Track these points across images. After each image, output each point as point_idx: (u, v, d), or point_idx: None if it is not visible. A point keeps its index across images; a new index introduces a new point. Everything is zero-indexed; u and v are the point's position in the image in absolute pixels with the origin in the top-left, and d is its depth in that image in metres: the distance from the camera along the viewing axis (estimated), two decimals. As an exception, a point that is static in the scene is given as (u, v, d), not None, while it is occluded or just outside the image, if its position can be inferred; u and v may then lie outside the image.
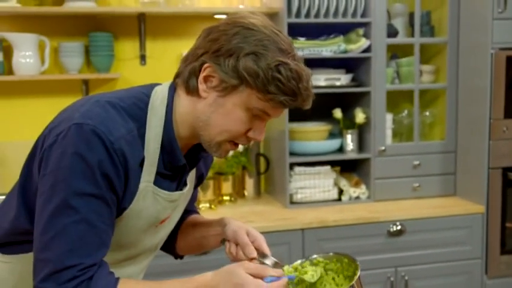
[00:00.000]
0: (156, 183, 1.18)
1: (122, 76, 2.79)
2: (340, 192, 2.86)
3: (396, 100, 3.02)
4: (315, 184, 2.81)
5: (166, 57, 2.86)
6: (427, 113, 3.03)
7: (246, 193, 2.96)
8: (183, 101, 1.18)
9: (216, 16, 2.84)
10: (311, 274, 1.25)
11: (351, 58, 2.84)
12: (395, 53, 3.00)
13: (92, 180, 1.06)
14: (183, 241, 1.46)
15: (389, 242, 2.66)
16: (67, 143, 1.07)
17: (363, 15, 2.78)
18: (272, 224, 2.52)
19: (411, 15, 2.94)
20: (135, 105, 1.16)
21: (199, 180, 1.43)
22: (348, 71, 2.87)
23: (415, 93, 2.89)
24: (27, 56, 2.60)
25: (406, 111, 3.00)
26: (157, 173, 1.18)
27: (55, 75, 2.73)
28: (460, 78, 2.88)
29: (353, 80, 2.86)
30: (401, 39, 2.94)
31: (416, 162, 2.89)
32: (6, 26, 2.68)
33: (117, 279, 1.11)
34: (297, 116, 2.78)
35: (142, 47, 2.83)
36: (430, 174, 2.92)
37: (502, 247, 2.79)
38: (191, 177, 1.33)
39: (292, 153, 2.79)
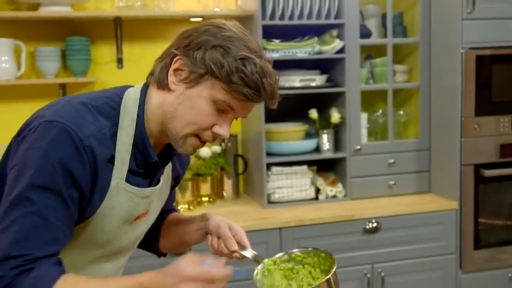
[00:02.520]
0: (127, 180, 1.21)
1: (99, 80, 2.81)
2: (317, 191, 2.91)
3: (371, 100, 3.08)
4: (292, 184, 2.85)
5: (143, 61, 2.88)
6: (401, 112, 3.08)
7: (224, 194, 3.00)
8: (154, 96, 1.22)
9: (192, 19, 2.87)
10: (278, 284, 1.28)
11: (325, 59, 2.89)
12: (369, 53, 3.05)
13: (52, 176, 1.08)
14: (165, 239, 1.49)
15: (366, 239, 2.71)
16: (35, 138, 1.10)
17: (336, 16, 2.83)
18: (250, 223, 2.55)
19: (384, 16, 3.00)
20: (107, 104, 1.19)
21: (176, 181, 1.46)
22: (322, 72, 2.91)
23: (388, 93, 2.95)
24: (3, 60, 2.60)
25: (380, 111, 3.06)
26: (129, 171, 1.21)
27: (32, 80, 2.73)
28: (432, 77, 2.94)
29: (328, 80, 2.91)
30: (374, 39, 3.00)
31: (391, 161, 2.94)
32: (-19, 31, 2.68)
33: (60, 272, 1.10)
34: (273, 117, 2.82)
35: (119, 50, 2.85)
36: (405, 172, 2.97)
37: (476, 242, 2.85)
38: (166, 175, 1.36)
39: (269, 154, 2.83)
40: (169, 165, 1.37)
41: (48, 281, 1.07)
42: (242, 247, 1.32)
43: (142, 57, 2.89)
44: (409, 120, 3.10)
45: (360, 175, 2.91)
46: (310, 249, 1.35)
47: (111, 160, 1.17)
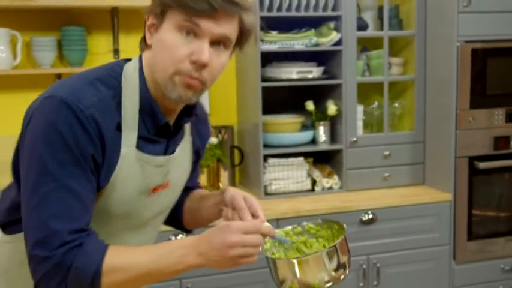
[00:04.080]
0: (139, 147, 1.21)
1: (96, 70, 2.80)
2: (314, 183, 2.92)
3: (367, 92, 3.09)
4: (289, 175, 2.86)
5: (139, 51, 2.87)
6: (397, 105, 3.10)
7: (221, 185, 3.00)
8: (145, 60, 1.23)
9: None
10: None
11: (322, 51, 2.90)
12: (365, 45, 3.06)
13: (66, 146, 1.10)
14: (188, 215, 1.49)
15: (361, 230, 2.74)
16: (39, 115, 1.12)
17: (334, 9, 2.83)
18: (247, 214, 2.56)
19: (380, 9, 3.01)
20: (108, 75, 1.20)
21: (197, 155, 1.46)
22: (319, 64, 2.92)
23: (384, 85, 2.96)
24: (-1, 50, 2.59)
25: (376, 103, 3.08)
26: (141, 138, 1.21)
27: (27, 70, 2.71)
28: (428, 70, 2.96)
29: (324, 72, 2.92)
30: (370, 32, 3.01)
31: (387, 153, 2.97)
32: (-24, 20, 2.66)
33: (107, 245, 1.14)
34: (270, 108, 2.83)
35: (115, 41, 2.84)
36: (400, 164, 3.00)
37: (469, 234, 2.89)
38: (185, 148, 1.36)
39: (265, 145, 2.84)
40: (188, 138, 1.37)
41: (100, 255, 1.10)
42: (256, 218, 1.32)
43: (139, 48, 2.87)
44: (404, 112, 3.13)
45: (356, 167, 2.93)
46: (320, 221, 1.36)
47: (119, 128, 1.18)
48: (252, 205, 1.31)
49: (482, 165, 2.82)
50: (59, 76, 2.78)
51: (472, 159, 2.84)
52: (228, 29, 1.17)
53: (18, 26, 2.68)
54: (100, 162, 1.15)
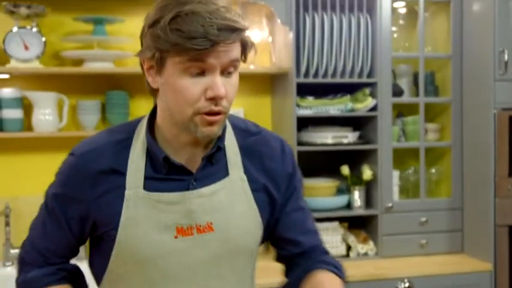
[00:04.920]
0: (146, 187, 1.21)
1: (136, 133, 2.88)
2: (348, 248, 2.89)
3: (402, 157, 3.09)
4: (324, 240, 2.83)
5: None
6: (433, 170, 3.08)
7: (255, 248, 2.99)
8: (158, 103, 1.23)
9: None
10: None
11: (358, 116, 2.93)
12: (401, 111, 3.09)
13: (52, 199, 1.29)
14: None
15: (398, 298, 2.67)
16: None
17: (369, 75, 2.88)
18: (280, 279, 2.54)
19: (415, 75, 3.04)
20: (129, 123, 1.28)
21: (269, 195, 1.31)
22: (355, 129, 2.95)
23: (420, 151, 2.96)
24: (47, 113, 2.70)
25: (412, 168, 3.06)
26: (148, 178, 1.22)
27: (72, 132, 2.82)
28: (465, 136, 2.95)
29: (360, 137, 2.94)
30: (406, 98, 3.03)
31: (423, 219, 2.92)
32: (27, 84, 2.79)
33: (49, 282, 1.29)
34: (306, 172, 2.84)
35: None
36: (437, 231, 2.94)
37: (511, 305, 2.79)
38: (232, 186, 1.27)
39: (300, 209, 2.84)
40: (238, 175, 1.28)
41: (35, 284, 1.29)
42: None
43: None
44: (441, 178, 3.10)
45: (392, 233, 2.90)
46: None
47: (115, 171, 1.22)
48: None
49: (523, 234, 2.76)
50: (101, 138, 2.87)
51: (512, 228, 2.78)
52: (234, 53, 1.15)
53: (66, 90, 2.80)
54: (88, 208, 1.23)
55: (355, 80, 2.87)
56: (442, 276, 2.73)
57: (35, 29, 2.66)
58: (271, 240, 1.38)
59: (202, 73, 1.13)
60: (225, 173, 1.27)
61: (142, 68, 1.21)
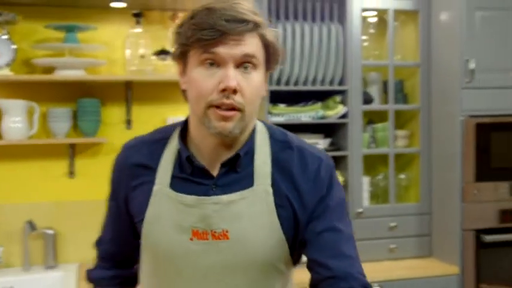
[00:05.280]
0: (172, 185, 1.26)
1: (109, 140, 2.88)
2: (320, 253, 2.92)
3: (373, 163, 3.14)
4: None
5: (151, 122, 2.96)
6: (402, 176, 3.14)
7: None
8: (189, 105, 1.28)
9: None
10: None
11: (329, 123, 2.97)
12: (371, 118, 3.14)
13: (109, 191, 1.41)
14: None
15: (368, 303, 2.71)
16: None
17: (340, 83, 2.93)
18: None
19: (385, 83, 3.10)
20: (172, 125, 1.35)
21: (294, 213, 1.24)
22: (326, 136, 2.99)
23: (390, 157, 3.02)
24: (17, 121, 2.68)
25: (382, 174, 3.12)
26: (175, 177, 1.27)
27: (42, 140, 2.80)
28: (433, 143, 3.02)
29: (331, 144, 2.98)
30: (376, 105, 3.09)
31: (393, 224, 2.98)
32: (-3, 92, 2.78)
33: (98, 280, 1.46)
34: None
35: (128, 112, 2.94)
36: (406, 236, 3.00)
37: (478, 308, 2.86)
38: (254, 198, 1.23)
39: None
40: (265, 188, 1.24)
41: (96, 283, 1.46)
42: None
43: (151, 118, 2.97)
44: (410, 184, 3.16)
45: (362, 238, 2.94)
46: None
47: (148, 167, 1.29)
48: None
49: (488, 238, 2.83)
50: (72, 146, 2.86)
51: (479, 232, 2.84)
52: (248, 47, 1.17)
53: (36, 97, 2.78)
54: (124, 197, 1.33)
55: (326, 87, 2.91)
56: (411, 280, 2.79)
57: (5, 37, 2.64)
58: (307, 263, 1.28)
59: (216, 65, 1.16)
60: (250, 182, 1.24)
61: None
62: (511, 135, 2.90)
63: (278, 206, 1.24)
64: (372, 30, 3.13)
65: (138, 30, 2.88)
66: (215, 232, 1.22)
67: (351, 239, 1.27)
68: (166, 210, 1.25)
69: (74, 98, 2.85)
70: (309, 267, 1.25)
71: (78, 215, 2.87)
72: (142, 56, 2.87)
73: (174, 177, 1.26)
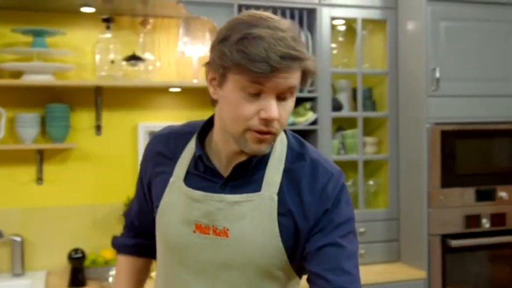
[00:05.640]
0: (185, 180, 1.32)
1: (78, 146, 2.85)
2: (290, 259, 2.94)
3: (342, 169, 3.14)
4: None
5: (121, 128, 2.95)
6: (371, 182, 3.19)
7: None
8: (216, 111, 1.30)
9: (171, 89, 2.97)
10: None
11: (299, 130, 3.00)
12: (341, 125, 3.18)
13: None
14: None
15: (337, 308, 2.73)
16: None
17: (310, 90, 2.96)
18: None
19: (354, 91, 3.15)
20: (201, 121, 1.36)
21: (294, 223, 1.25)
22: (296, 142, 3.01)
23: (359, 163, 3.06)
24: (-17, 126, 2.64)
25: (351, 180, 3.16)
26: (189, 173, 1.32)
27: (9, 145, 2.76)
28: (400, 149, 3.07)
29: (301, 150, 3.00)
30: (345, 112, 3.13)
31: (362, 230, 3.02)
32: (-38, 96, 2.73)
33: (129, 246, 1.55)
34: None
35: (98, 117, 2.91)
36: (375, 241, 3.05)
37: (444, 311, 2.91)
38: (259, 202, 1.26)
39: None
40: (270, 195, 1.26)
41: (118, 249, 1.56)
42: None
43: (121, 124, 2.95)
44: (379, 190, 3.21)
45: (332, 243, 2.96)
46: None
47: (170, 158, 1.36)
48: None
49: (454, 243, 2.88)
50: (40, 152, 2.83)
51: (445, 237, 2.90)
52: (293, 80, 1.18)
53: (3, 102, 2.75)
54: (147, 179, 1.41)
55: (296, 94, 2.92)
56: (379, 285, 2.82)
57: (-29, 40, 2.60)
58: (307, 276, 1.29)
59: (259, 94, 1.17)
60: (258, 187, 1.27)
61: (206, 77, 1.27)
62: (476, 142, 2.97)
63: (280, 214, 1.26)
64: (341, 39, 3.18)
65: (108, 35, 2.86)
66: (216, 228, 1.27)
67: (353, 257, 1.28)
68: (176, 202, 1.32)
69: (42, 103, 2.82)
70: (309, 280, 1.27)
71: (46, 222, 2.84)
72: (112, 62, 2.85)
73: (188, 173, 1.33)
